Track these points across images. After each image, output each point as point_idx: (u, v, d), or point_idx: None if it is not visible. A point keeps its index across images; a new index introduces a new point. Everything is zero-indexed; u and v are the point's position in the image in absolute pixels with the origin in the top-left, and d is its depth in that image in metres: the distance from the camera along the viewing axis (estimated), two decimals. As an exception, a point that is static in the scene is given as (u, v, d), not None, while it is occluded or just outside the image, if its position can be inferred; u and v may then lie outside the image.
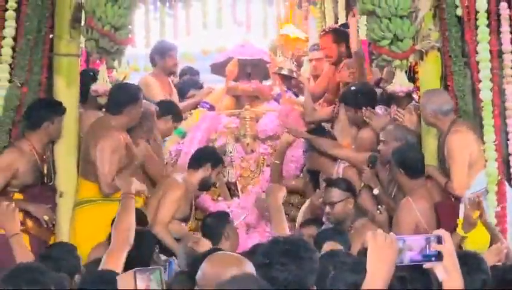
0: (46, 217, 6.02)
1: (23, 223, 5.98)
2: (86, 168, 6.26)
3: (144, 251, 4.74)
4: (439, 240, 2.60)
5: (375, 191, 6.28)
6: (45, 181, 6.22)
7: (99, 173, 6.09)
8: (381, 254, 2.56)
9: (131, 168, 6.26)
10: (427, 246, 2.59)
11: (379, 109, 6.83)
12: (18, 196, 6.08)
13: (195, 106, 7.90)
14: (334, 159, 6.73)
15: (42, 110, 6.11)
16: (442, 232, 2.62)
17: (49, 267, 3.40)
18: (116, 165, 6.12)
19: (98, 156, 6.09)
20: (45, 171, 6.20)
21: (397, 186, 6.24)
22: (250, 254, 3.74)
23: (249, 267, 3.02)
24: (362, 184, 6.41)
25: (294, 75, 7.50)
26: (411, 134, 6.35)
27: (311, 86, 7.75)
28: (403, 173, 5.98)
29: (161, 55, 8.00)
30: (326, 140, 6.86)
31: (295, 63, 7.99)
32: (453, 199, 6.02)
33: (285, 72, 7.52)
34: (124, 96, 6.29)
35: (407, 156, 5.99)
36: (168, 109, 7.08)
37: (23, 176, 6.06)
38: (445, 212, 5.89)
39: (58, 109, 6.17)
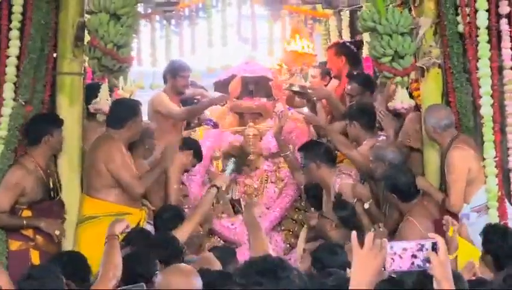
0: (57, 232, 6.03)
1: (33, 239, 6.04)
2: (90, 183, 6.28)
3: (146, 270, 4.76)
4: (434, 246, 2.53)
5: (366, 205, 6.33)
6: (52, 196, 6.23)
7: (123, 182, 6.14)
8: (365, 261, 2.55)
9: None
10: (421, 252, 2.53)
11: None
12: (27, 212, 6.09)
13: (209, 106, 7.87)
14: (331, 171, 6.68)
15: (40, 125, 6.13)
16: (437, 238, 2.57)
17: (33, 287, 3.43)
18: (132, 167, 6.18)
19: (114, 168, 6.12)
20: (51, 186, 6.20)
21: (390, 204, 6.29)
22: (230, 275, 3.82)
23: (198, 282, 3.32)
24: (355, 199, 6.44)
25: (308, 90, 7.49)
26: (396, 153, 6.37)
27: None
28: (396, 198, 6.03)
29: (172, 74, 7.99)
30: (340, 135, 6.89)
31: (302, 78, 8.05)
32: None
33: (296, 88, 7.53)
34: (124, 111, 6.33)
35: (398, 181, 6.03)
36: (191, 145, 7.00)
37: (30, 193, 6.08)
38: (443, 229, 5.87)
39: (55, 121, 6.19)
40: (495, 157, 6.02)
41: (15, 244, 6.06)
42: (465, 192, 5.99)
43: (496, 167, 6.01)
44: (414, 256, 2.53)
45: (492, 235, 5.11)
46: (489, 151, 6.04)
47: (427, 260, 2.53)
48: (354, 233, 2.62)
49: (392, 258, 2.54)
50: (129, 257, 4.72)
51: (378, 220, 6.31)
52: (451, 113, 6.18)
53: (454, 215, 5.97)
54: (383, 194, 6.40)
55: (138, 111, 6.41)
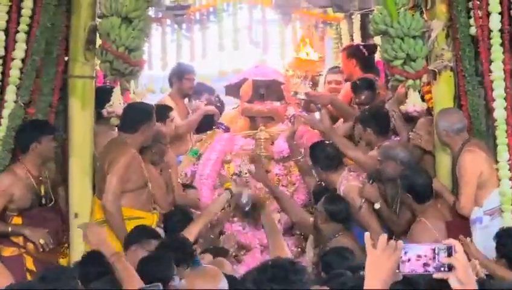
0: (42, 241, 5.98)
1: (23, 246, 6.02)
2: (101, 187, 6.23)
3: (163, 273, 4.75)
4: (449, 251, 2.51)
5: (376, 206, 6.32)
6: (44, 203, 6.18)
7: (106, 187, 6.06)
8: (378, 262, 2.52)
9: (145, 191, 6.27)
10: (436, 256, 2.51)
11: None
12: (17, 219, 6.07)
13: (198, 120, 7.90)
14: (337, 173, 6.67)
15: (28, 132, 6.10)
16: (453, 242, 2.52)
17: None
18: (124, 183, 6.10)
19: (110, 170, 6.07)
20: (42, 193, 6.16)
21: (401, 203, 6.27)
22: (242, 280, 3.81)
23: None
24: (363, 199, 6.42)
25: (311, 97, 7.48)
26: (405, 152, 6.36)
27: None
28: (412, 199, 6.01)
29: (178, 77, 8.04)
30: (343, 138, 6.88)
31: (311, 83, 8.04)
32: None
33: (301, 96, 7.51)
34: (138, 115, 6.30)
35: (414, 182, 6.01)
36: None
37: (19, 200, 6.04)
38: (456, 231, 5.86)
39: (43, 128, 6.15)
40: (508, 160, 5.99)
41: (7, 250, 6.03)
42: (477, 195, 5.97)
43: (509, 169, 5.98)
44: (428, 260, 2.52)
45: (505, 238, 5.09)
46: (503, 154, 6.01)
47: (442, 265, 2.51)
48: (367, 234, 2.61)
49: (405, 261, 2.53)
50: (147, 259, 4.71)
51: (390, 220, 6.29)
52: (463, 117, 6.16)
53: (465, 218, 5.97)
54: (392, 195, 6.38)
55: (152, 115, 6.37)
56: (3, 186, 6.01)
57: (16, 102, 6.19)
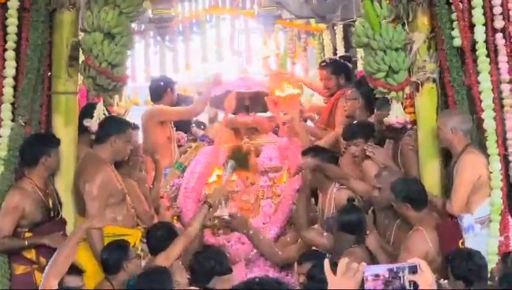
0: None
1: (36, 262, 6.00)
2: (79, 204, 6.25)
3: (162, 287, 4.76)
4: (414, 270, 2.56)
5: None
6: (52, 215, 6.17)
7: (88, 211, 6.08)
8: (338, 286, 2.57)
9: (124, 204, 6.26)
10: (400, 275, 2.55)
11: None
12: (28, 235, 6.05)
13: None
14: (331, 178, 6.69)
15: (37, 146, 6.10)
16: (417, 261, 2.59)
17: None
18: (105, 202, 6.10)
19: (87, 193, 6.09)
20: (51, 205, 6.15)
21: (396, 229, 6.25)
22: None
23: None
24: None
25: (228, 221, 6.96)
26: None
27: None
28: (409, 207, 5.97)
29: (172, 88, 8.07)
30: (337, 169, 6.84)
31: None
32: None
33: (227, 218, 6.88)
34: (110, 126, 6.29)
35: (410, 189, 6.00)
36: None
37: (30, 215, 6.04)
38: (446, 231, 5.89)
39: (52, 141, 6.17)
40: (500, 170, 6.01)
41: (19, 269, 6.03)
42: (470, 201, 5.98)
43: (500, 179, 6.00)
44: (390, 280, 2.55)
45: (458, 261, 5.03)
46: (494, 164, 6.04)
47: (408, 284, 2.54)
48: (326, 261, 2.65)
49: (367, 282, 2.57)
50: (145, 273, 4.71)
51: (386, 251, 6.24)
52: None
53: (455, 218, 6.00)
54: (386, 224, 6.34)
55: (124, 129, 6.33)
56: (13, 202, 6.01)
57: (13, 120, 6.20)
